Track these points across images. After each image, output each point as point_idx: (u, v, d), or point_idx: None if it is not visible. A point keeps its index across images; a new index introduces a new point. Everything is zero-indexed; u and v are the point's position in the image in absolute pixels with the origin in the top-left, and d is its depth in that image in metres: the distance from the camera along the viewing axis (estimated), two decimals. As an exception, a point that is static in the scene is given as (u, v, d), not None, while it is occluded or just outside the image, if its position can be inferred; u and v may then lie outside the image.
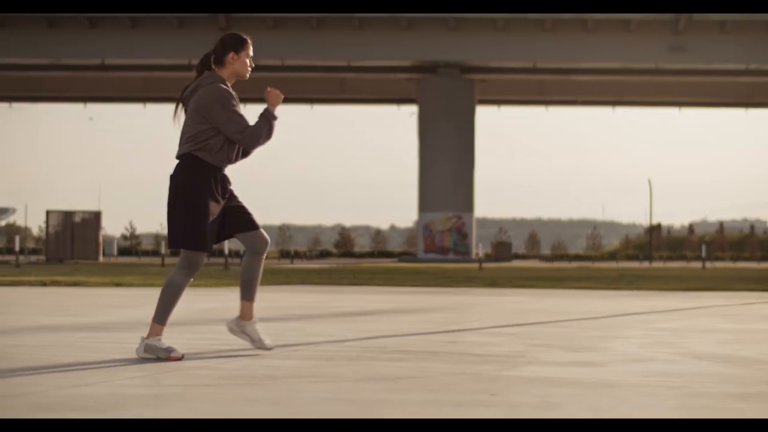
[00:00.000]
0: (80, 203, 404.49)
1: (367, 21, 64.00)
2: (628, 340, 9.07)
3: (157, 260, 60.19)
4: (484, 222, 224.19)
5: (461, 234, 69.99)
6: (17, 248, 38.92)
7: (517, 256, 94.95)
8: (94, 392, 5.61)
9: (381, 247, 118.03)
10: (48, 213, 60.63)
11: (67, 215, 59.85)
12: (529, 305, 15.01)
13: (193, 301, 14.98)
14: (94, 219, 59.84)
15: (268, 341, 7.72)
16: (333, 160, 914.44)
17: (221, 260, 49.35)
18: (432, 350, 8.01)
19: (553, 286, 22.48)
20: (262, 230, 7.68)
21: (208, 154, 7.39)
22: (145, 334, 7.45)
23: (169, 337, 8.00)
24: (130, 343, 8.01)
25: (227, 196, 7.55)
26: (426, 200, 70.57)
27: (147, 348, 7.26)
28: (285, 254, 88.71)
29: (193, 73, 7.67)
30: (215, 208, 7.42)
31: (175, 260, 51.42)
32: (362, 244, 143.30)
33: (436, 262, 62.14)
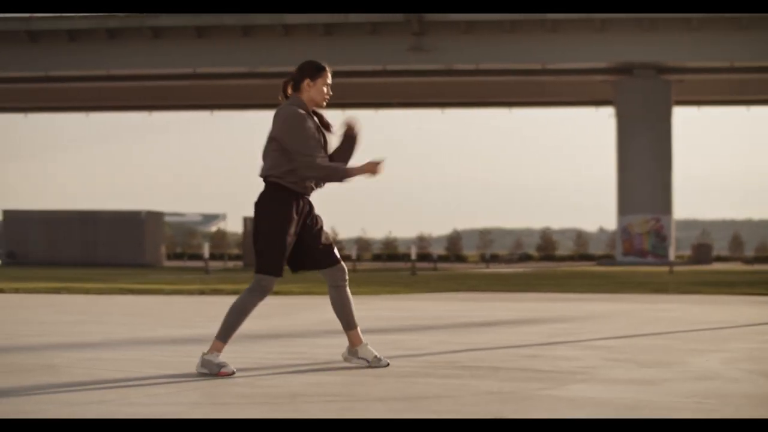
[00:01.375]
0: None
1: (560, 23, 63.33)
2: (720, 354, 8.73)
3: (349, 265, 60.93)
4: (687, 224, 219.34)
5: (660, 236, 68.58)
6: (206, 255, 39.88)
7: (719, 258, 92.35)
8: (88, 411, 5.69)
9: (582, 250, 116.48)
10: (245, 219, 61.92)
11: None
12: (669, 314, 14.66)
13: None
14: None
15: (384, 359, 7.79)
16: (532, 162, 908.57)
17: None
18: (497, 366, 7.89)
19: (728, 292, 21.50)
20: (340, 263, 7.74)
21: (287, 180, 7.48)
22: (215, 350, 7.49)
23: (256, 349, 8.04)
24: (194, 357, 8.08)
25: (309, 221, 7.62)
26: (624, 202, 69.38)
27: (204, 363, 7.36)
28: (483, 258, 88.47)
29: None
30: (292, 235, 7.48)
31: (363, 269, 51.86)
32: (567, 247, 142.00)
33: (634, 265, 61.04)
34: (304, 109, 7.55)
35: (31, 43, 65.60)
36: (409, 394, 6.34)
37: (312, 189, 7.66)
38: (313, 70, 7.63)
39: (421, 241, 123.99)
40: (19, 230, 58.39)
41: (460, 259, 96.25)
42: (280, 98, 7.70)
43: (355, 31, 62.97)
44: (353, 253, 65.79)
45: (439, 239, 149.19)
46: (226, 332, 7.47)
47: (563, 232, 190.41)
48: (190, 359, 8.03)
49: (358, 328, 7.87)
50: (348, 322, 7.83)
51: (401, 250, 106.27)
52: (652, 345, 9.62)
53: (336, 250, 7.77)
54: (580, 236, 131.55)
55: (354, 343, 7.85)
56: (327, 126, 7.78)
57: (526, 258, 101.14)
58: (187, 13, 62.48)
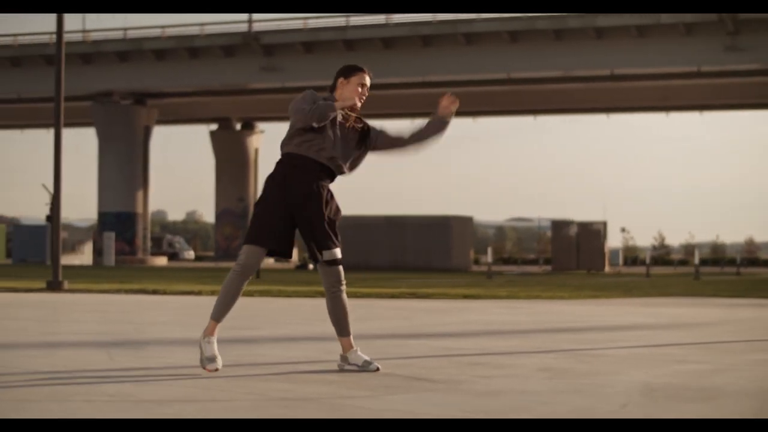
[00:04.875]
0: (585, 213, 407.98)
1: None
2: None
3: (665, 270, 59.62)
4: None
5: None
6: (489, 259, 39.80)
7: None
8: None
9: None
10: (553, 223, 61.63)
11: (577, 225, 60.37)
12: None
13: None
14: (599, 229, 59.85)
15: (373, 364, 7.61)
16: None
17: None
18: (510, 364, 7.33)
19: None
20: (333, 266, 7.56)
21: (290, 147, 7.47)
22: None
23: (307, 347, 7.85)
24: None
25: (312, 210, 7.44)
26: None
27: (199, 346, 7.41)
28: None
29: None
30: (281, 210, 7.38)
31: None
32: None
33: None
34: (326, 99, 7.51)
35: (347, 52, 67.39)
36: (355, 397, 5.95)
37: (330, 160, 7.48)
38: (348, 69, 7.68)
39: (749, 245, 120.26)
40: (330, 235, 59.84)
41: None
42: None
43: (668, 32, 61.24)
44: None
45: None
46: (216, 312, 7.46)
47: None
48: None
49: (351, 336, 7.71)
50: (342, 330, 7.70)
51: (729, 254, 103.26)
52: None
53: (334, 251, 7.53)
54: None
55: (345, 349, 7.70)
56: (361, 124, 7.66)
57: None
58: (500, 19, 62.77)
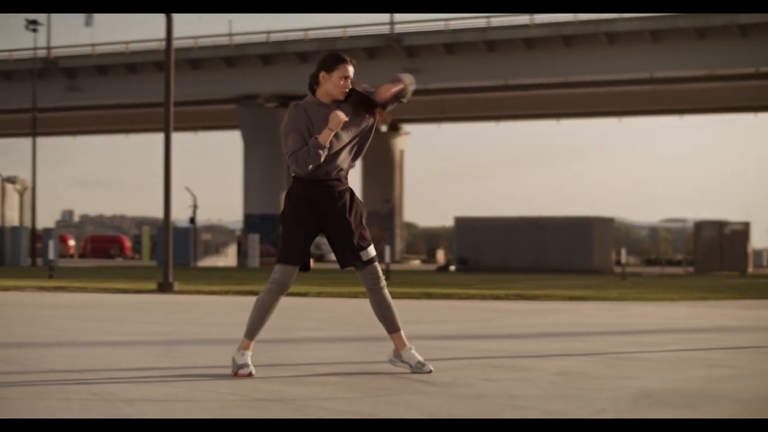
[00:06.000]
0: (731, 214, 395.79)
1: None
2: None
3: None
4: None
5: None
6: (623, 260, 39.31)
7: None
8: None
9: None
10: (696, 224, 60.63)
11: (720, 225, 59.28)
12: None
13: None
14: (743, 230, 58.66)
15: (427, 366, 7.56)
16: None
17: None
18: (527, 367, 7.33)
19: None
20: (370, 265, 7.52)
21: (299, 169, 7.37)
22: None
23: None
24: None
25: (339, 214, 7.43)
26: None
27: (232, 359, 7.41)
28: None
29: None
30: (305, 225, 7.38)
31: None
32: None
33: None
34: (314, 103, 7.43)
35: (489, 53, 67.29)
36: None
37: (338, 179, 7.46)
38: (329, 62, 7.44)
39: None
40: (471, 237, 59.95)
41: None
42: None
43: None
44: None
45: None
46: (249, 329, 7.47)
47: None
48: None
49: (402, 332, 7.62)
50: (391, 326, 7.62)
51: None
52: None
53: (367, 251, 7.49)
54: None
55: (398, 346, 7.63)
56: (364, 105, 7.51)
57: None
58: (641, 18, 62.03)
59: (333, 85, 7.40)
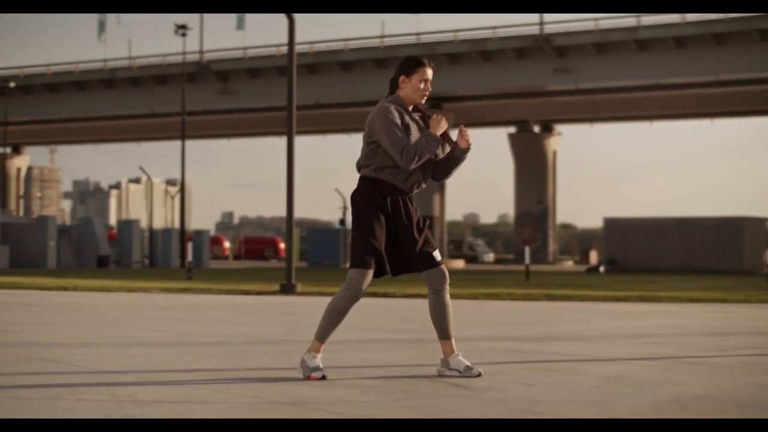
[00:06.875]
0: None
1: None
2: None
3: None
4: None
5: None
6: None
7: None
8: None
9: None
10: None
11: None
12: None
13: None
14: None
15: (475, 369, 7.53)
16: None
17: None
18: (528, 371, 7.27)
19: None
20: (439, 266, 7.49)
21: (383, 174, 7.38)
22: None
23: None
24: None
25: (406, 220, 7.42)
26: None
27: (302, 362, 7.44)
28: None
29: None
30: (381, 230, 7.34)
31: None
32: None
33: None
34: (400, 105, 7.43)
35: (639, 52, 66.44)
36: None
37: (415, 185, 7.48)
38: (408, 66, 7.47)
39: None
40: (620, 238, 59.25)
41: None
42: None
43: None
44: None
45: None
46: (321, 332, 7.49)
47: None
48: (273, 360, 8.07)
49: (453, 339, 7.60)
50: (443, 332, 7.59)
51: None
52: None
53: (436, 253, 7.48)
54: None
55: (446, 355, 7.59)
56: (428, 126, 7.58)
57: None
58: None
59: (413, 88, 7.42)
